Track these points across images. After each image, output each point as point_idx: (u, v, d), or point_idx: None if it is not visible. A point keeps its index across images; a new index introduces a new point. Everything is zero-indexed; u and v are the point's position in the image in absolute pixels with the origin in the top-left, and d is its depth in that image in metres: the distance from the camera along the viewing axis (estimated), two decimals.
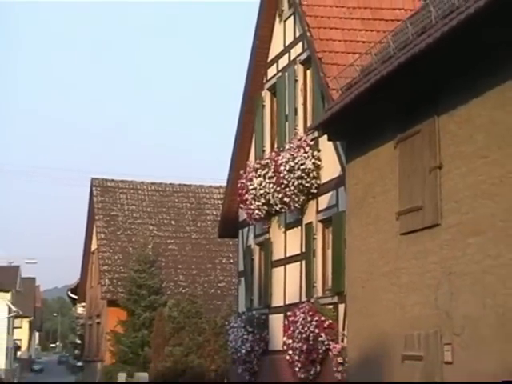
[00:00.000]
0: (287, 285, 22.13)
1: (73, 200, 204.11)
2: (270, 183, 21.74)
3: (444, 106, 13.88)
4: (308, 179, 20.56)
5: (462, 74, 13.24)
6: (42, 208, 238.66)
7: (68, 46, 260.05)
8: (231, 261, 37.74)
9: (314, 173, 20.52)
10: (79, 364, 50.71)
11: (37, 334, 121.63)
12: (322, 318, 19.44)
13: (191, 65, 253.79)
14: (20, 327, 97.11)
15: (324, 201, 20.32)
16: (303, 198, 20.83)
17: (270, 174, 21.81)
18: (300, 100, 21.94)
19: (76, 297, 52.74)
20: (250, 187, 22.78)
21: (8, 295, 79.40)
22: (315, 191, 20.59)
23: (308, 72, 21.54)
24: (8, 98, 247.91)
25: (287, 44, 22.66)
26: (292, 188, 20.78)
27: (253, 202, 22.68)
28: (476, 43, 12.49)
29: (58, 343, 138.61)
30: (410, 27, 15.00)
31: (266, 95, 24.27)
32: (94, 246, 45.31)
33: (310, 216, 20.96)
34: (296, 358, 20.21)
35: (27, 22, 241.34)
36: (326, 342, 19.30)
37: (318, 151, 20.47)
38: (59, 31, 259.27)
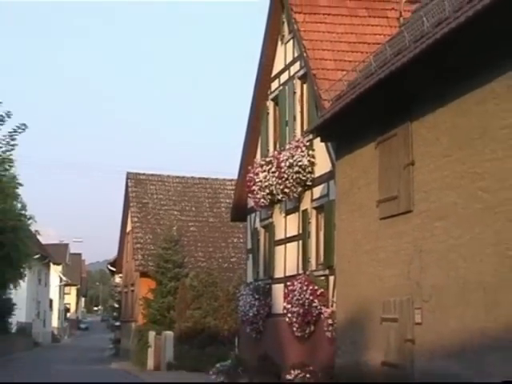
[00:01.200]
0: (287, 260, 22.15)
1: (111, 190, 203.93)
2: (273, 177, 21.73)
3: (416, 114, 13.87)
4: (304, 173, 20.56)
5: (430, 87, 13.24)
6: (88, 197, 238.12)
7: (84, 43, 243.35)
8: (241, 240, 37.69)
9: (309, 168, 20.52)
10: (117, 324, 50.77)
11: (83, 299, 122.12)
12: (316, 287, 19.48)
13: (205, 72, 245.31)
14: (69, 293, 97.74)
15: (317, 191, 20.32)
16: (300, 189, 20.84)
17: (273, 169, 21.80)
18: (298, 108, 21.92)
19: (114, 269, 52.88)
20: (257, 180, 22.79)
21: (59, 267, 79.94)
22: (310, 183, 20.59)
23: (304, 86, 21.52)
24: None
25: (287, 62, 22.63)
26: (291, 181, 20.79)
27: (259, 192, 22.70)
28: (441, 63, 12.48)
29: (99, 307, 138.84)
30: (388, 49, 14.99)
31: (270, 105, 24.27)
32: (128, 228, 45.36)
33: (306, 204, 20.97)
34: (294, 319, 20.25)
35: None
36: (318, 307, 19.34)
37: (313, 150, 20.47)
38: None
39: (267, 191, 22.19)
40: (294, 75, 22.13)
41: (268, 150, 23.95)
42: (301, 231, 21.22)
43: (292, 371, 19.60)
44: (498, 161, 11.32)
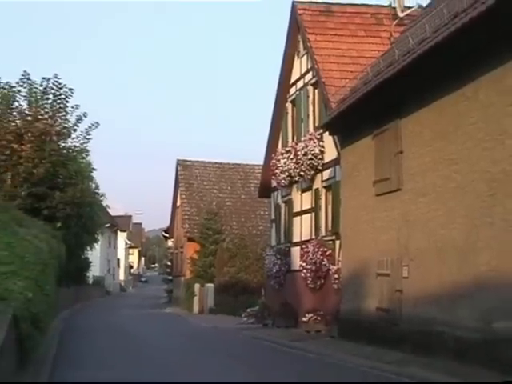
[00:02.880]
0: (302, 228, 22.21)
1: (164, 173, 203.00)
2: (291, 162, 21.78)
3: (404, 113, 13.88)
4: (316, 160, 20.60)
5: (415, 92, 13.23)
6: (147, 178, 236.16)
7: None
8: (266, 213, 37.46)
9: (320, 156, 20.55)
10: (170, 278, 51.02)
11: (143, 258, 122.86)
12: (325, 249, 19.55)
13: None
14: (132, 254, 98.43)
15: (326, 174, 20.36)
16: (313, 172, 20.88)
17: (291, 156, 21.85)
18: (311, 109, 21.92)
19: (167, 235, 53.09)
20: (279, 165, 22.85)
21: (125, 234, 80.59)
22: (321, 168, 20.62)
23: (316, 91, 21.50)
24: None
25: (302, 72, 22.58)
26: (306, 166, 20.84)
27: (280, 174, 22.77)
28: (424, 73, 12.47)
29: (156, 264, 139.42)
30: (382, 62, 14.98)
31: (289, 106, 24.24)
32: (178, 203, 45.48)
33: (317, 184, 21.01)
34: (308, 275, 20.35)
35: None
36: (327, 265, 19.41)
37: (323, 142, 20.48)
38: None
39: (287, 174, 22.26)
40: (307, 83, 22.10)
41: (287, 142, 23.98)
42: (313, 205, 21.28)
43: (306, 315, 19.73)
44: (468, 150, 11.35)
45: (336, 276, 18.51)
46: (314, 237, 20.83)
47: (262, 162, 27.15)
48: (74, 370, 11.47)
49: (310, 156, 20.61)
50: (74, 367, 11.97)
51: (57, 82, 24.81)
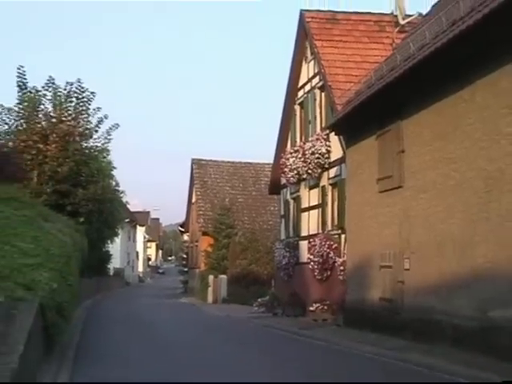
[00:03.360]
0: (310, 223, 22.25)
1: (179, 170, 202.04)
2: (299, 161, 21.81)
3: (405, 115, 13.89)
4: (323, 159, 20.62)
5: (416, 95, 13.24)
6: (164, 176, 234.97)
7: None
8: (276, 208, 37.52)
9: (327, 155, 20.57)
10: (185, 269, 51.14)
11: (160, 251, 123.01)
12: (331, 243, 19.57)
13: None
14: (150, 247, 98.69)
15: (332, 172, 20.37)
16: (320, 170, 20.90)
17: (299, 155, 21.88)
18: (318, 111, 21.93)
19: (183, 229, 53.20)
20: (288, 164, 22.88)
21: (143, 228, 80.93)
22: (327, 166, 20.64)
23: (323, 94, 21.51)
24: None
25: (310, 77, 22.60)
26: (313, 164, 20.86)
27: (289, 172, 22.80)
28: (424, 77, 12.48)
29: (173, 257, 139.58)
30: (384, 67, 15.00)
31: (297, 108, 24.27)
32: (193, 199, 45.55)
33: (324, 181, 21.03)
34: (315, 267, 20.39)
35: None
36: (333, 257, 19.45)
37: (329, 141, 20.49)
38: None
39: (295, 172, 22.29)
40: (314, 86, 22.12)
41: (296, 142, 24.00)
42: (320, 201, 21.30)
43: (314, 304, 19.77)
44: (465, 149, 11.35)
45: (342, 268, 18.52)
46: (320, 231, 20.85)
47: (271, 161, 27.19)
48: (96, 360, 11.34)
49: (317, 155, 20.63)
50: (96, 354, 12.04)
51: (80, 86, 25.08)
